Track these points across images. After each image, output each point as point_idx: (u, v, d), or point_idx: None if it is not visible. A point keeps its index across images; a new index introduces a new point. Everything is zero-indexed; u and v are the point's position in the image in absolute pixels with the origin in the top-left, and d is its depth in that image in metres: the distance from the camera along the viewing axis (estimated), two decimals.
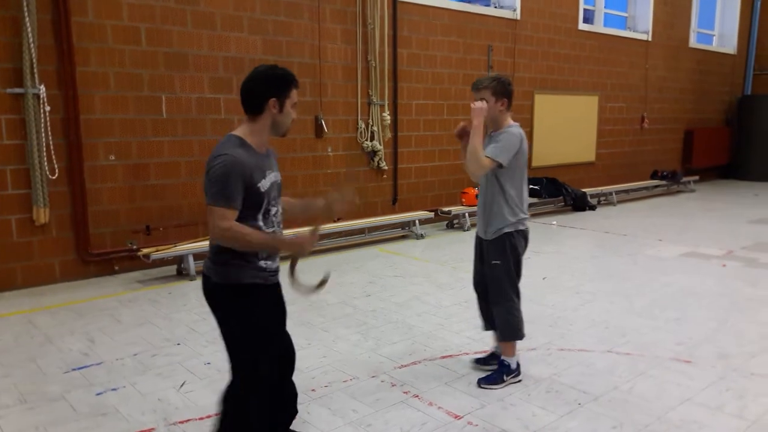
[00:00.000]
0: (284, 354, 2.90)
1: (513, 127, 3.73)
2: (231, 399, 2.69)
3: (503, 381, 3.82)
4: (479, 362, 4.14)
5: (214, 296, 2.67)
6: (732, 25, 15.52)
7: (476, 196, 4.37)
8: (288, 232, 3.09)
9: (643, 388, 3.79)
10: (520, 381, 3.88)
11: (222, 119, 7.02)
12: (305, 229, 2.61)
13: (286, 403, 2.97)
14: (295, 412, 3.03)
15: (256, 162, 2.58)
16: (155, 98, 6.56)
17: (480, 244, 3.96)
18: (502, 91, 3.69)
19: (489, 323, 4.06)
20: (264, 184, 2.60)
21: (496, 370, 3.88)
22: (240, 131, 2.64)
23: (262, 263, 2.65)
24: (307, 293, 2.76)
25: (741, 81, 16.02)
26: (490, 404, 3.58)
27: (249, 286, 2.62)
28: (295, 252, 2.62)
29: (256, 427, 2.71)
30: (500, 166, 3.63)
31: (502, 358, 3.90)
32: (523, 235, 3.86)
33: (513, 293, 3.85)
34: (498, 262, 3.80)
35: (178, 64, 6.66)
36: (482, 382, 3.82)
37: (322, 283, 2.77)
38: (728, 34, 15.58)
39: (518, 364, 3.92)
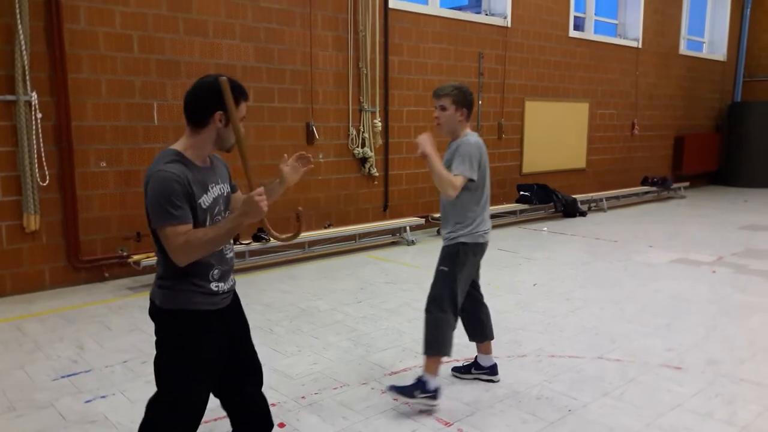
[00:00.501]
0: (249, 369, 2.71)
1: (470, 136, 3.63)
2: (152, 411, 2.53)
3: (413, 397, 3.54)
4: (457, 371, 4.07)
5: (156, 321, 2.49)
6: (722, 33, 15.67)
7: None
8: None
9: (633, 395, 3.80)
10: (433, 406, 3.57)
11: None
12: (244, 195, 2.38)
13: (258, 417, 2.76)
14: (271, 426, 2.81)
15: (196, 177, 2.37)
16: (147, 105, 6.56)
17: None
18: (463, 100, 3.64)
19: (471, 334, 3.99)
20: (205, 200, 2.40)
21: (413, 383, 3.59)
22: (179, 144, 2.42)
23: (214, 286, 2.47)
24: (293, 239, 2.68)
25: (731, 88, 16.16)
26: (480, 411, 3.59)
27: (195, 314, 2.43)
28: (255, 216, 2.32)
29: None
30: (471, 179, 3.53)
31: (422, 373, 3.61)
32: (481, 249, 3.73)
33: (450, 306, 3.60)
34: (445, 268, 3.65)
35: (170, 71, 6.67)
36: (393, 388, 3.62)
37: (298, 223, 2.59)
38: (718, 41, 15.72)
39: (437, 389, 3.56)
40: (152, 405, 2.53)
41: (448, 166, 3.57)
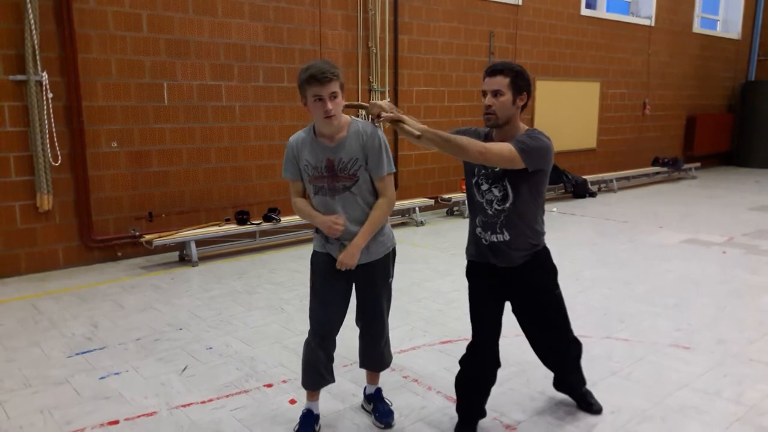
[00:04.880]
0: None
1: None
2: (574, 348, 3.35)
3: None
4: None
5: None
6: (736, 10, 15.43)
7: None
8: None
9: (641, 374, 3.82)
10: None
11: (223, 106, 7.03)
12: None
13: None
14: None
15: None
16: (157, 85, 6.56)
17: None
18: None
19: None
20: None
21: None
22: None
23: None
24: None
25: (745, 66, 15.95)
26: None
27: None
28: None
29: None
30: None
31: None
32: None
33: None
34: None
35: (180, 51, 6.66)
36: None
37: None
38: (732, 19, 15.49)
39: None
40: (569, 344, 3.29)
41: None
